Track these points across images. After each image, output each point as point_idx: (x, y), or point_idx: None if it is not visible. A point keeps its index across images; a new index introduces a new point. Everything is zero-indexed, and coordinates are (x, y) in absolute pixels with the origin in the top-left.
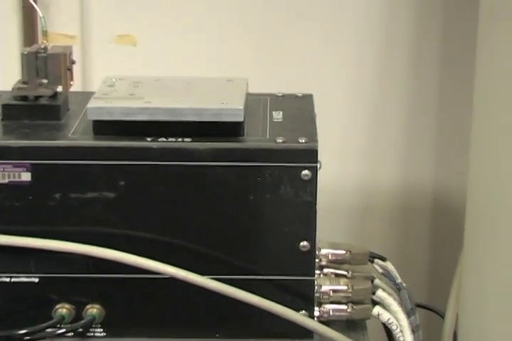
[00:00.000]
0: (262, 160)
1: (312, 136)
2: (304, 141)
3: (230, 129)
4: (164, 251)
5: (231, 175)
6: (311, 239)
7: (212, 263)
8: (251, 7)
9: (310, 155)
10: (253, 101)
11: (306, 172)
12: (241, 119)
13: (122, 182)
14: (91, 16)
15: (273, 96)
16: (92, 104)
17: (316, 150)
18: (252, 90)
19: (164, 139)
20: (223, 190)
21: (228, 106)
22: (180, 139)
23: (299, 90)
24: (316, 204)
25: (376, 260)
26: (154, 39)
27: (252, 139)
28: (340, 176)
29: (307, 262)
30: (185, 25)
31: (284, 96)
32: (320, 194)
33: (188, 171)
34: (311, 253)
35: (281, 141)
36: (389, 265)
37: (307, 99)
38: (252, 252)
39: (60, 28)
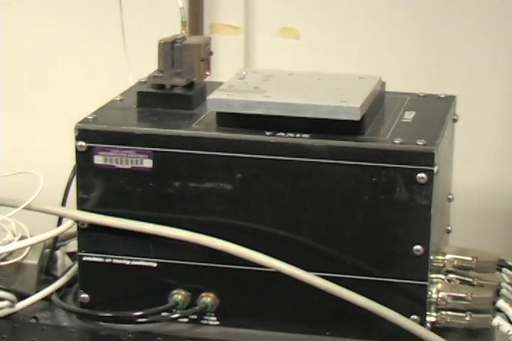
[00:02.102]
0: (378, 161)
1: (432, 139)
2: (422, 143)
3: (348, 127)
4: (276, 245)
5: (346, 174)
6: (426, 243)
7: (322, 261)
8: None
9: (427, 158)
10: (391, 99)
11: (422, 175)
12: (357, 118)
13: (239, 175)
14: (255, 8)
15: (414, 96)
16: (213, 95)
17: (433, 153)
18: (403, 89)
19: (283, 134)
20: (338, 188)
21: (345, 104)
22: (298, 135)
23: (453, 90)
24: (431, 208)
25: (504, 269)
26: (317, 33)
27: (370, 139)
28: (493, 180)
29: (420, 266)
30: (348, 21)
31: (425, 96)
32: (470, 198)
33: (304, 167)
34: (425, 257)
35: (398, 142)
36: None
37: (448, 101)
38: (363, 252)
39: (225, 18)
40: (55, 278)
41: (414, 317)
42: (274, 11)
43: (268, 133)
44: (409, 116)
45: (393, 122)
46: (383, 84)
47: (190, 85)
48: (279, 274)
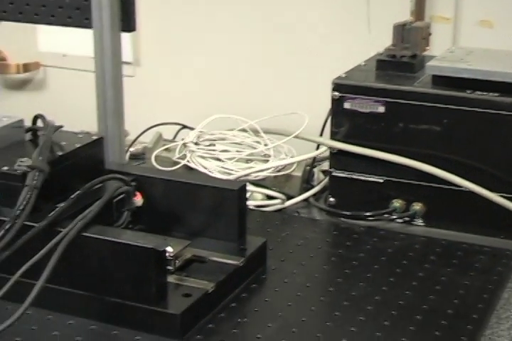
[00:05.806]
0: None
1: None
2: None
3: None
4: (468, 170)
5: None
6: None
7: (502, 184)
8: None
9: None
10: None
11: None
12: None
13: (445, 120)
14: (463, 5)
15: None
16: (431, 63)
17: None
18: None
19: (479, 92)
20: None
21: None
22: (490, 94)
23: None
24: None
25: None
26: (506, 24)
27: None
28: None
29: None
30: None
31: None
32: None
33: (493, 117)
34: None
35: None
36: None
37: None
38: None
39: (440, 11)
40: (312, 187)
41: None
42: (475, 6)
43: (468, 92)
44: None
45: None
46: None
47: (414, 56)
48: (470, 192)
